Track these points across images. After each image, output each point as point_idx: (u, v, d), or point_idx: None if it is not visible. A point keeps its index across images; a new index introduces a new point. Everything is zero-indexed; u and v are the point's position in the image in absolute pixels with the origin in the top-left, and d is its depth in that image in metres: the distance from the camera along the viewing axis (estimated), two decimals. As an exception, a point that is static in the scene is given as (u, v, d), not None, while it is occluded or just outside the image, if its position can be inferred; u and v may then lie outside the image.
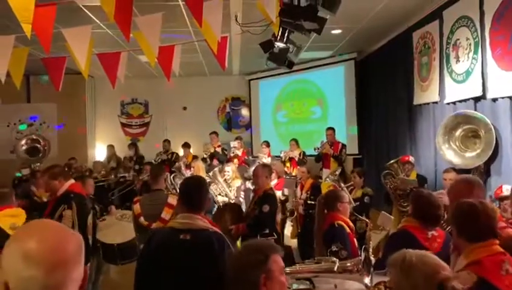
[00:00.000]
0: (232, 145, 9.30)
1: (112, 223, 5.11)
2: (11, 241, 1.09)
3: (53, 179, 3.91)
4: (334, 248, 3.05)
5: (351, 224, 3.52)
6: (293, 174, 7.74)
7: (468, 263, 1.99)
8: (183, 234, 2.42)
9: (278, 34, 4.73)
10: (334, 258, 2.71)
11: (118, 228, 4.90)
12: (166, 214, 4.12)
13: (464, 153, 5.19)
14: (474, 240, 2.05)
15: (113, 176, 8.61)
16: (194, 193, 2.58)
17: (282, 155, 8.70)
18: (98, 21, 6.15)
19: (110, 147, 10.61)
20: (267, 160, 8.57)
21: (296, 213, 6.22)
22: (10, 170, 8.45)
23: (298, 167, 7.70)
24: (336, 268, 2.59)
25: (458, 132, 5.23)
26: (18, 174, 8.04)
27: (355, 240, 3.44)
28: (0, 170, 8.80)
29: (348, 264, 2.61)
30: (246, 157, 8.97)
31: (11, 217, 3.59)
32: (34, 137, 8.81)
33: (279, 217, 4.76)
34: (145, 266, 2.48)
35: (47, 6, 3.51)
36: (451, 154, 5.30)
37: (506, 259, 1.98)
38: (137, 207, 4.22)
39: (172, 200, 4.21)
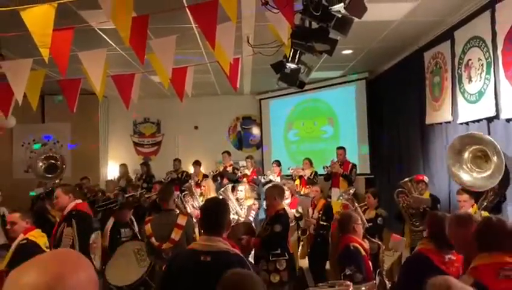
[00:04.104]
0: (241, 165, 9.29)
1: (124, 255, 4.83)
2: (9, 276, 1.02)
3: (65, 193, 4.01)
4: (348, 272, 3.00)
5: (365, 246, 3.48)
6: (302, 193, 7.68)
7: (470, 268, 2.26)
8: (203, 255, 2.43)
9: (289, 55, 4.77)
10: (348, 282, 2.67)
11: (125, 268, 4.65)
12: (176, 235, 4.14)
13: (473, 173, 5.11)
14: (481, 250, 2.27)
15: (120, 197, 8.60)
16: (214, 215, 2.58)
17: (290, 172, 8.64)
18: (113, 44, 6.28)
19: (123, 166, 10.67)
20: (276, 179, 8.55)
21: (307, 232, 6.18)
22: (25, 189, 8.55)
23: (310, 186, 7.65)
24: (350, 292, 2.55)
25: (466, 154, 5.14)
26: (32, 193, 8.12)
27: (369, 262, 3.39)
28: (16, 189, 8.92)
29: (363, 288, 2.57)
30: (255, 177, 8.93)
31: (42, 237, 3.70)
32: (51, 154, 8.92)
33: (294, 236, 4.72)
34: (166, 287, 2.50)
35: (64, 31, 3.59)
36: (463, 175, 5.21)
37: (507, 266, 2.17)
38: (148, 228, 4.29)
39: (182, 220, 4.24)
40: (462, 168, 5.17)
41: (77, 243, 3.81)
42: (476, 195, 4.90)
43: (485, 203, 4.87)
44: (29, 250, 3.37)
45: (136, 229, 5.59)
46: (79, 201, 4.12)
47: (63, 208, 4.02)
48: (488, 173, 4.82)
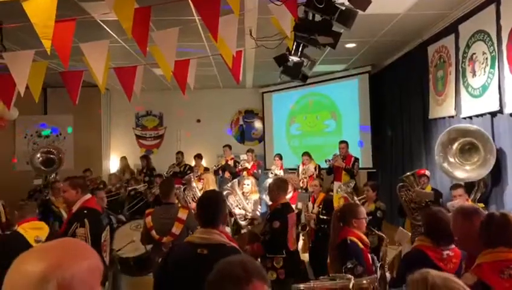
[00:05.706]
0: (241, 158, 9.30)
1: (125, 234, 5.10)
2: (13, 262, 1.03)
3: (72, 187, 3.81)
4: (349, 265, 2.99)
5: (365, 239, 3.44)
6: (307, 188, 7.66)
7: (474, 266, 2.24)
8: (200, 248, 2.42)
9: (292, 48, 4.75)
10: (349, 275, 2.66)
11: (132, 242, 4.89)
12: (176, 229, 4.12)
13: (465, 166, 5.14)
14: (486, 246, 2.24)
15: (123, 190, 8.62)
16: (210, 207, 2.57)
17: (301, 169, 8.56)
18: (115, 35, 6.25)
19: (123, 159, 10.69)
20: (279, 172, 8.54)
21: (308, 227, 6.17)
22: (27, 181, 8.58)
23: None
24: (351, 285, 2.54)
25: (455, 146, 5.20)
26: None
27: (369, 255, 3.38)
28: (18, 181, 8.96)
29: (364, 281, 2.57)
30: (255, 170, 8.91)
31: (36, 229, 3.63)
32: (48, 149, 8.96)
33: (294, 231, 4.67)
34: (163, 279, 2.50)
35: (66, 22, 3.58)
36: (456, 172, 5.24)
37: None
38: (149, 220, 4.24)
39: (182, 214, 4.20)
40: (451, 164, 5.18)
41: (89, 243, 3.62)
42: (469, 189, 4.98)
43: (479, 195, 4.91)
44: (9, 242, 3.43)
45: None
46: (88, 196, 3.91)
47: (70, 203, 3.87)
48: (480, 161, 4.85)
